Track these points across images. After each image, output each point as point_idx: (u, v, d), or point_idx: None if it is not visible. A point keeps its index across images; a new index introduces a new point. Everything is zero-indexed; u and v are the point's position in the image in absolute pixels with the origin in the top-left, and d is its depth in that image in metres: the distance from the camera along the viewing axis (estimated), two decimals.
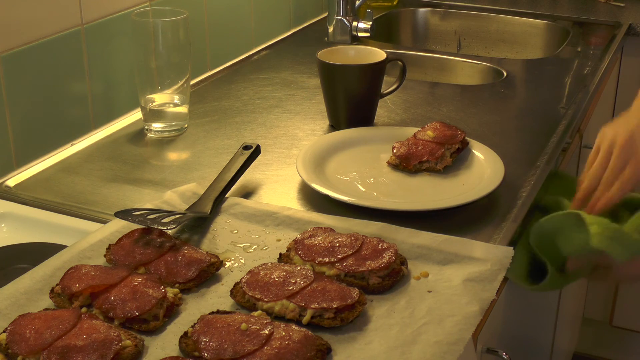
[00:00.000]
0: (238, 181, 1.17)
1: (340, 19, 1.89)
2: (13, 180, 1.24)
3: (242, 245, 1.03)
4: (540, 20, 2.14)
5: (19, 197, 1.19)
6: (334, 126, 1.41)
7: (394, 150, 1.24)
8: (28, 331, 0.83)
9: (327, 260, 0.95)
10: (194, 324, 0.85)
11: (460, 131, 1.28)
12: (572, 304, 2.03)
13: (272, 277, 0.91)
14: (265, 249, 1.02)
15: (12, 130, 1.26)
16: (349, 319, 0.87)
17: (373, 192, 1.17)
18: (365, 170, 1.23)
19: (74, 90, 1.37)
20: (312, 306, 0.87)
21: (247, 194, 1.18)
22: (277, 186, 1.21)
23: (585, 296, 2.34)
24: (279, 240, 1.04)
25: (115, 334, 0.82)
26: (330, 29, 1.91)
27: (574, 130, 1.50)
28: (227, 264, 0.99)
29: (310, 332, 0.83)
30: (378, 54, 1.39)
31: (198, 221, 1.08)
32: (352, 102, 1.39)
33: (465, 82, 1.84)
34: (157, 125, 1.39)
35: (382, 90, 1.42)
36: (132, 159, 1.31)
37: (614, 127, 1.17)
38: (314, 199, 1.16)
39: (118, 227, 1.04)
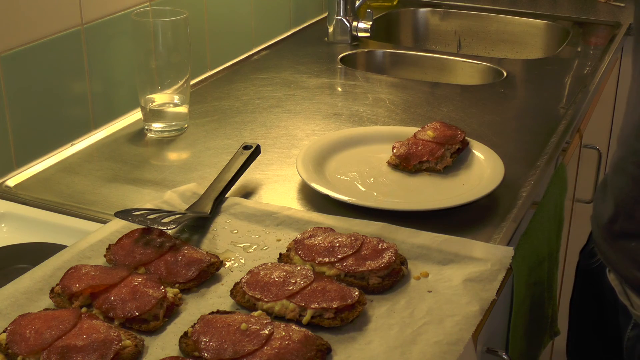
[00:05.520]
0: (238, 181, 1.17)
1: (340, 19, 1.89)
2: (13, 180, 1.24)
3: (242, 245, 1.03)
4: (540, 20, 2.13)
5: (19, 197, 1.19)
6: None
7: (394, 150, 1.24)
8: (28, 331, 0.83)
9: (327, 260, 0.95)
10: (194, 324, 0.85)
11: (461, 131, 1.28)
12: None
13: (272, 277, 0.91)
14: (265, 249, 1.02)
15: (12, 130, 1.26)
16: (349, 319, 0.87)
17: (373, 192, 1.17)
18: (365, 170, 1.23)
19: (74, 90, 1.37)
20: (312, 306, 0.87)
21: (247, 194, 1.18)
22: (277, 186, 1.21)
23: None
24: (279, 240, 1.04)
25: (115, 334, 0.82)
26: (330, 29, 1.91)
27: (574, 130, 1.50)
28: (227, 264, 0.99)
29: (310, 332, 0.83)
30: None
31: (198, 221, 1.08)
32: None
33: (465, 82, 1.83)
34: (157, 125, 1.39)
35: None
36: (132, 159, 1.31)
37: None
38: (314, 199, 1.16)
39: (118, 227, 1.04)
